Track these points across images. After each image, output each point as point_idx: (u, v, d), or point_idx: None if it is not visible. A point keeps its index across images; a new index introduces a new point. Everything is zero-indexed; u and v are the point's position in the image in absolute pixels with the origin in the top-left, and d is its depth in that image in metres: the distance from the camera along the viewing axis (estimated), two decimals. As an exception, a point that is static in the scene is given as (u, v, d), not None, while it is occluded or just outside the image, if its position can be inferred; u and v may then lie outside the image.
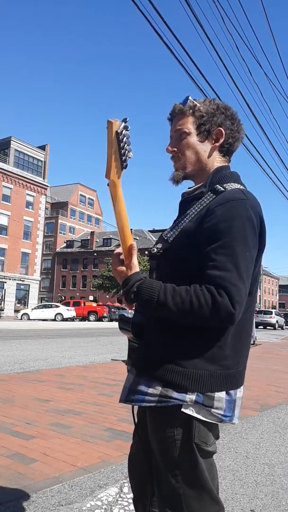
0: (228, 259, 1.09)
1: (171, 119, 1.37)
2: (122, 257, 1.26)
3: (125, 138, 1.12)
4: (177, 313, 1.10)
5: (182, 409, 1.14)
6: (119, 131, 1.11)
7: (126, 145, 1.13)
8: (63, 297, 60.86)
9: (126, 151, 1.13)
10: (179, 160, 1.33)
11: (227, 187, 1.23)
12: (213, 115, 1.31)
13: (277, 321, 36.01)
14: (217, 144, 1.33)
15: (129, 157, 1.15)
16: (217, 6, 9.22)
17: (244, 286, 1.09)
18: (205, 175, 1.31)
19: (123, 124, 1.12)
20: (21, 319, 33.51)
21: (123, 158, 1.14)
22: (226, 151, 1.36)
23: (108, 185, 1.16)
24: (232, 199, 1.17)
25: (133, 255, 1.22)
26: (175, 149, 1.33)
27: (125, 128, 1.12)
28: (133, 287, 1.15)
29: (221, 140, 1.32)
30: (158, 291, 1.11)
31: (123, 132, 1.11)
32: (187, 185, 1.40)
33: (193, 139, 1.31)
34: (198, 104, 1.31)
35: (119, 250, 1.28)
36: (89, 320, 34.63)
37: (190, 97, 1.31)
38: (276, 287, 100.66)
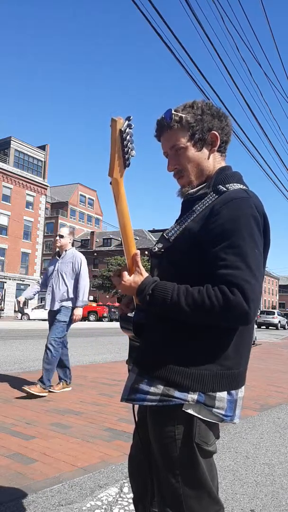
0: (238, 258, 1.09)
1: (158, 136, 1.35)
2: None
3: (128, 137, 1.11)
4: (190, 314, 1.10)
5: (184, 409, 1.15)
6: (123, 129, 1.10)
7: (129, 143, 1.12)
8: (63, 297, 60.73)
9: (129, 150, 1.13)
10: (183, 176, 1.32)
11: (229, 187, 1.23)
12: (201, 120, 1.29)
13: (279, 321, 36.12)
14: (215, 148, 1.33)
15: (131, 156, 1.14)
16: (217, 6, 9.22)
17: (257, 283, 1.09)
18: (209, 178, 1.31)
19: (127, 122, 1.11)
20: (21, 319, 33.49)
21: (126, 156, 1.13)
22: (224, 148, 1.36)
23: (110, 183, 1.16)
24: (236, 198, 1.18)
25: (139, 261, 1.22)
26: (177, 166, 1.32)
27: (129, 126, 1.11)
28: (148, 290, 1.15)
29: (218, 143, 1.32)
30: (172, 292, 1.12)
31: (126, 130, 1.11)
32: None
33: (191, 151, 1.30)
34: (183, 115, 1.29)
35: (124, 266, 1.26)
36: (89, 320, 34.62)
37: (172, 110, 1.29)
38: (276, 287, 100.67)
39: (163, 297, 1.12)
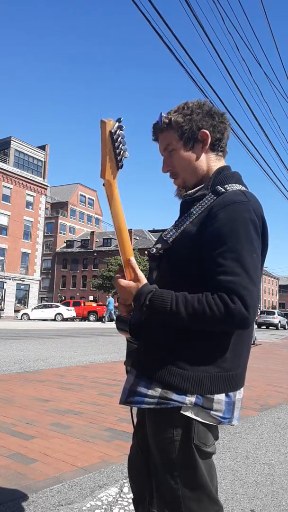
0: (236, 263, 1.09)
1: (156, 139, 1.37)
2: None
3: (119, 138, 1.11)
4: (190, 322, 1.10)
5: (182, 411, 1.14)
6: (113, 130, 1.10)
7: (121, 144, 1.12)
8: (63, 297, 60.79)
9: (122, 151, 1.13)
10: (177, 176, 1.34)
11: (228, 188, 1.22)
12: (190, 120, 1.29)
13: (279, 321, 36.13)
14: (206, 146, 1.31)
15: (124, 157, 1.14)
16: (217, 6, 9.23)
17: (255, 288, 1.10)
18: (206, 178, 1.31)
19: (117, 123, 1.11)
20: (21, 319, 33.48)
21: (119, 158, 1.13)
22: (218, 146, 1.34)
23: (103, 185, 1.16)
24: (234, 202, 1.17)
25: (135, 268, 1.21)
26: (170, 168, 1.34)
27: (120, 127, 1.11)
28: (145, 300, 1.14)
29: (208, 141, 1.31)
30: (170, 302, 1.11)
31: (117, 132, 1.10)
32: None
33: (181, 151, 1.31)
34: (172, 117, 1.30)
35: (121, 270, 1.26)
36: (89, 320, 34.60)
37: (162, 113, 1.31)
38: (276, 287, 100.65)
39: (162, 307, 1.12)
